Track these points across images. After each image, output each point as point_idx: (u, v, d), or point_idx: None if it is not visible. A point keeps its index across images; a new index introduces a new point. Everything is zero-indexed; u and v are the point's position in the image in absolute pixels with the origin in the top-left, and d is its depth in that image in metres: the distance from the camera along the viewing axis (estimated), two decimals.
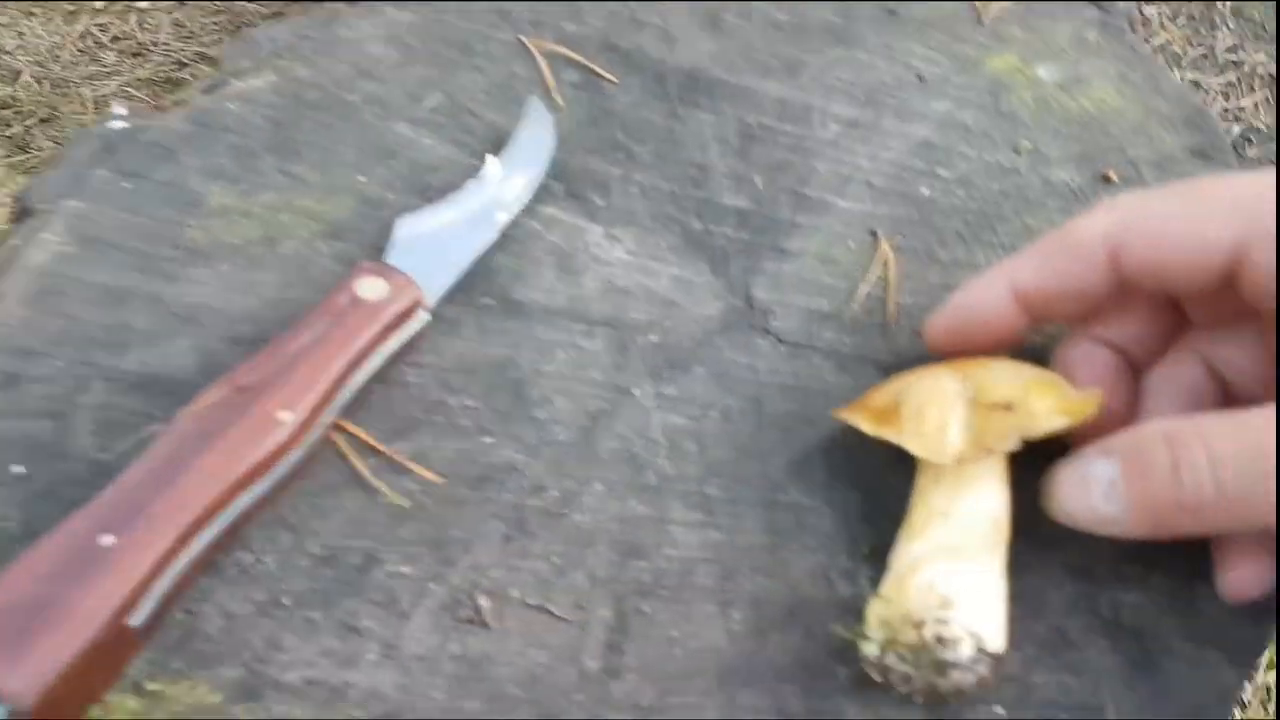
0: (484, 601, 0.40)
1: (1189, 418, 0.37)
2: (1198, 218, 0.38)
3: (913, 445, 0.39)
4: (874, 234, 0.52)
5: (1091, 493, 0.38)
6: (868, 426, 0.41)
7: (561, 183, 0.52)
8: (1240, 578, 0.39)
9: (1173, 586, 0.42)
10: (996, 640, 0.37)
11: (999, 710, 0.39)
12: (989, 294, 0.42)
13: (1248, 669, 0.41)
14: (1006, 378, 0.40)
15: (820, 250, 0.51)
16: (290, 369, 0.42)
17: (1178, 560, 0.42)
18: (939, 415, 0.39)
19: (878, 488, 0.44)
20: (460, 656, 0.39)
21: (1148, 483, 0.36)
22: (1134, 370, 0.44)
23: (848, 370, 0.47)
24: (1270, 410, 0.35)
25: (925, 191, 0.53)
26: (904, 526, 0.40)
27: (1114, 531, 0.38)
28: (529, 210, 0.51)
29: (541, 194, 0.51)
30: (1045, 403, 0.39)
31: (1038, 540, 0.41)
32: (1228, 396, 0.42)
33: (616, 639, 0.40)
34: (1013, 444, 0.38)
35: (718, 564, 0.42)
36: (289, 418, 0.40)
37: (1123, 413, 0.43)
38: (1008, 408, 0.39)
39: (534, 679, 0.39)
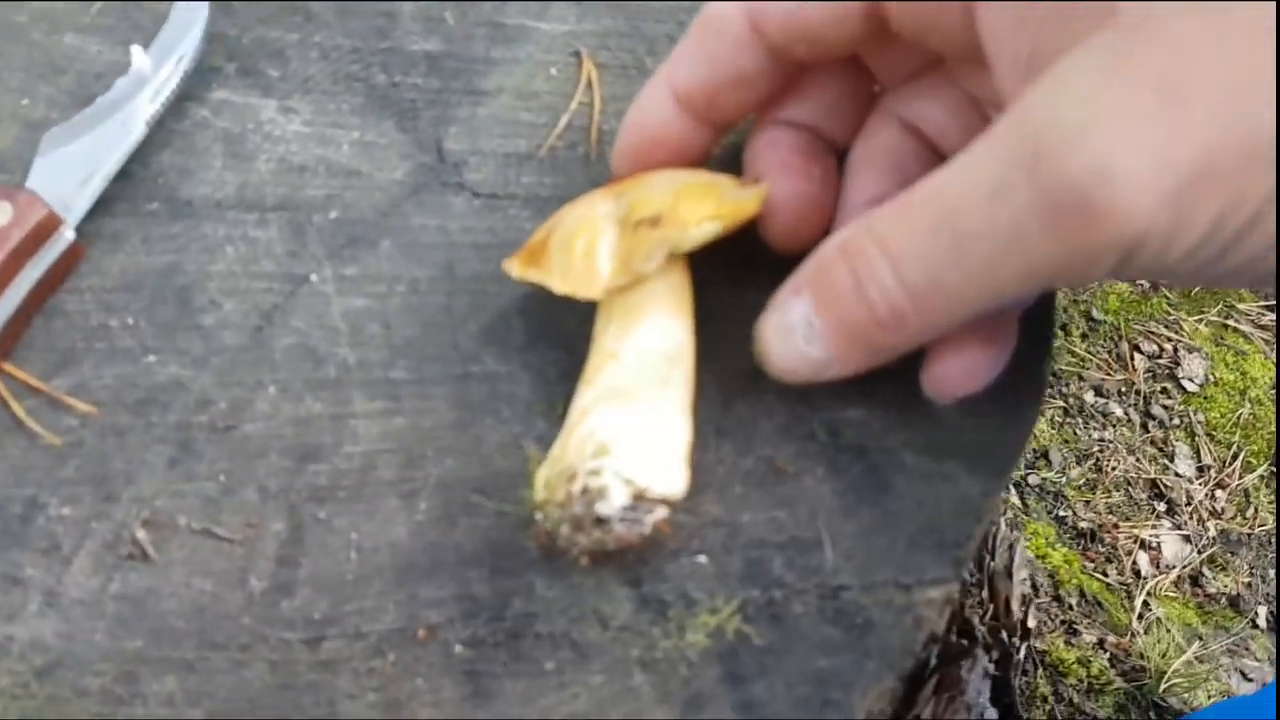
0: (142, 534, 0.37)
1: (862, 219, 0.31)
2: None
3: (556, 283, 0.34)
4: (577, 54, 0.46)
5: (794, 339, 0.33)
6: (516, 270, 0.36)
7: (234, 61, 0.46)
8: (943, 372, 0.34)
9: (904, 396, 0.37)
10: (665, 484, 0.33)
11: (701, 559, 0.35)
12: (654, 107, 0.37)
13: (999, 478, 0.36)
14: (660, 189, 0.35)
15: (519, 85, 0.45)
16: None
17: (909, 365, 0.37)
18: (586, 243, 0.34)
19: (580, 340, 0.39)
20: (122, 595, 0.36)
21: (839, 309, 0.31)
22: (833, 148, 0.38)
23: (547, 215, 0.42)
24: (936, 176, 0.29)
25: None
26: (581, 377, 0.36)
27: (832, 374, 0.33)
28: (198, 98, 0.45)
29: (212, 77, 0.46)
30: (696, 209, 0.34)
31: (748, 365, 0.36)
32: (937, 157, 0.37)
33: (290, 552, 0.36)
34: (658, 260, 0.33)
35: (401, 453, 0.38)
36: None
37: (823, 197, 0.37)
38: (655, 222, 0.34)
39: (198, 608, 0.35)
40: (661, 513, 0.33)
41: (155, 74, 0.44)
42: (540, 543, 0.34)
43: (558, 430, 0.38)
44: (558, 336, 0.40)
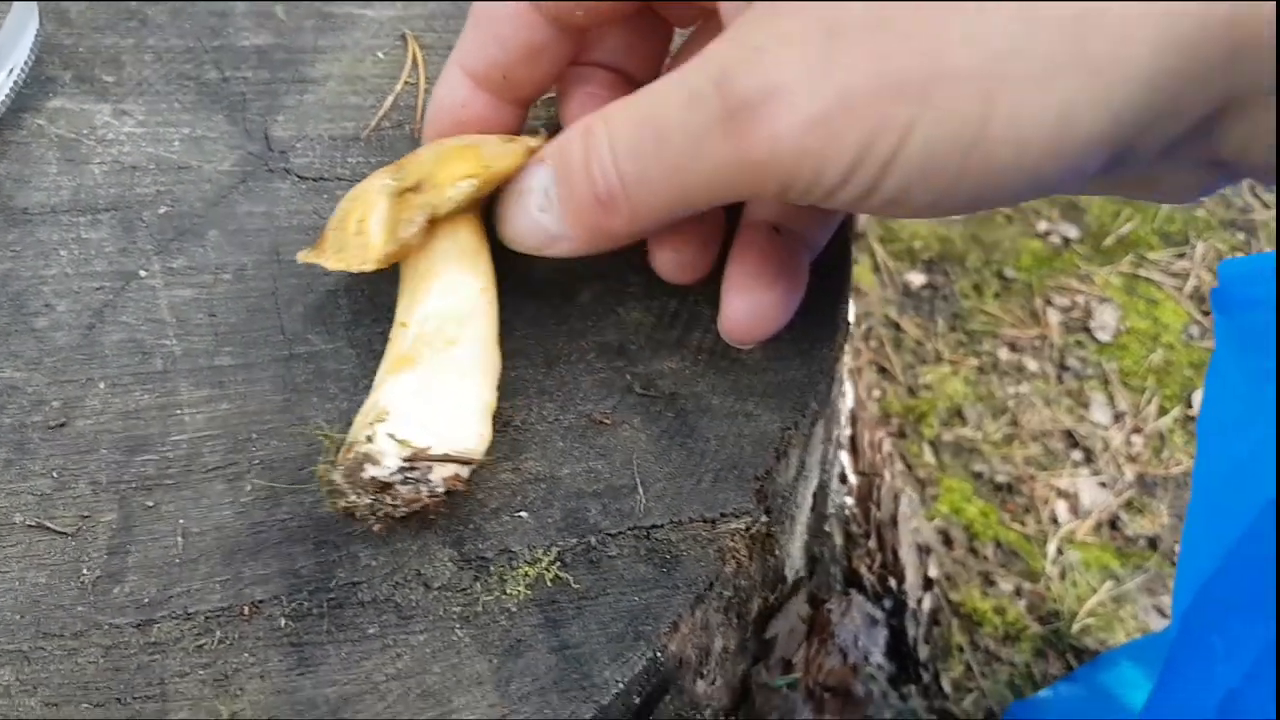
0: None
1: (604, 108, 0.33)
2: None
3: (330, 260, 0.35)
4: (404, 38, 0.46)
5: (529, 205, 0.34)
6: (301, 256, 0.37)
7: (70, 69, 0.47)
8: (733, 314, 0.35)
9: (714, 344, 0.38)
10: (449, 442, 0.33)
11: (523, 515, 0.35)
12: (450, 91, 0.38)
13: (798, 413, 0.37)
14: (426, 156, 0.36)
15: (346, 70, 0.46)
16: None
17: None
18: (359, 218, 0.35)
19: None
20: None
21: (570, 182, 0.33)
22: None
23: None
24: (659, 80, 0.31)
25: None
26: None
27: (561, 249, 0.35)
28: (34, 108, 0.46)
29: (49, 86, 0.46)
30: (454, 170, 0.34)
31: (570, 326, 0.37)
32: None
33: (120, 541, 0.37)
34: (419, 225, 0.34)
35: (227, 437, 0.38)
36: None
37: None
38: (417, 188, 0.34)
39: (33, 601, 0.36)
40: (450, 470, 0.33)
41: None
42: (339, 513, 0.34)
43: None
44: (384, 310, 0.40)
